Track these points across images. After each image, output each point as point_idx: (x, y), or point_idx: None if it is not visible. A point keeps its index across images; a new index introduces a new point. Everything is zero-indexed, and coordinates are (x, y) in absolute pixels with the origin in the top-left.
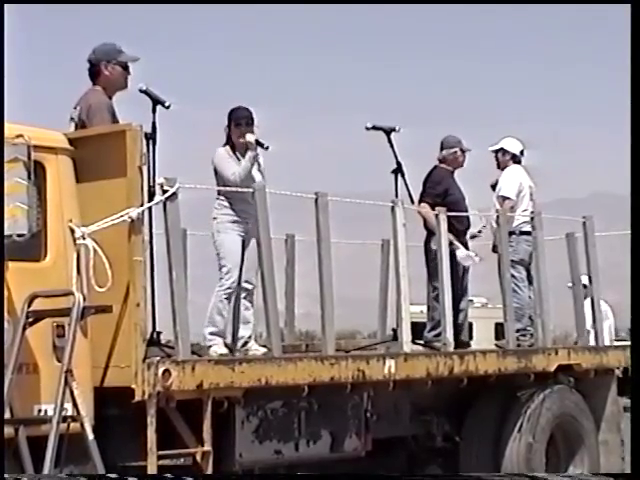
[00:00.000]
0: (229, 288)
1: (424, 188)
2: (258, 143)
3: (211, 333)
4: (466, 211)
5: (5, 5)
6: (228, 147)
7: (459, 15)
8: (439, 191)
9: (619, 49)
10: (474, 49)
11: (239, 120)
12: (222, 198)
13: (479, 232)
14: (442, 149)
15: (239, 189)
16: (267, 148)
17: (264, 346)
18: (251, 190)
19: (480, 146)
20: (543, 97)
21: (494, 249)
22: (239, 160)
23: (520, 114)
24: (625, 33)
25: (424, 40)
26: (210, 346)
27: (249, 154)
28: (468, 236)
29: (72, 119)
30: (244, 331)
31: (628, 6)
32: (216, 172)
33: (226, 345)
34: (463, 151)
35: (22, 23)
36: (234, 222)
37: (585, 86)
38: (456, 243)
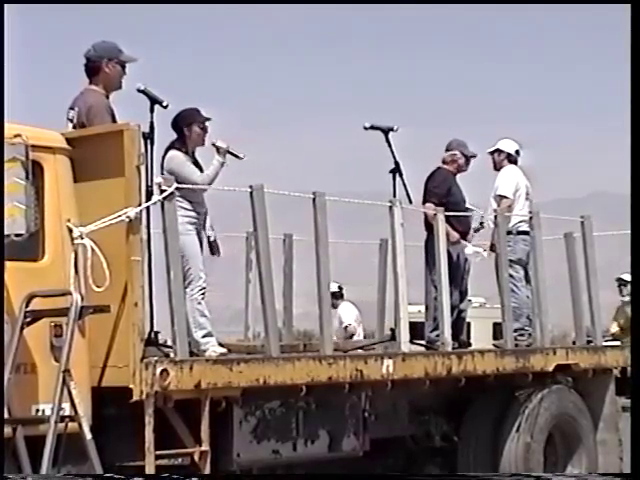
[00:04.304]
0: (203, 288)
1: (427, 188)
2: (230, 153)
3: (204, 336)
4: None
5: (5, 5)
6: (181, 150)
7: (459, 15)
8: (443, 191)
9: (619, 49)
10: (474, 49)
11: (202, 123)
12: (181, 200)
13: (481, 224)
14: (446, 151)
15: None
16: (242, 158)
17: (222, 345)
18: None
19: (480, 146)
20: (543, 97)
21: (492, 248)
22: (194, 163)
23: (520, 114)
24: (625, 33)
25: (424, 40)
26: (206, 349)
27: (219, 159)
28: (472, 231)
29: (70, 120)
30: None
31: (628, 6)
32: (171, 174)
33: (220, 344)
34: (466, 156)
35: (22, 23)
36: (193, 224)
37: (585, 87)
38: (463, 242)
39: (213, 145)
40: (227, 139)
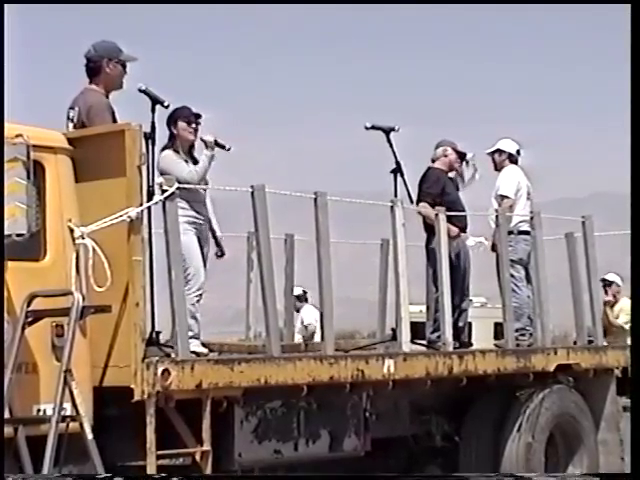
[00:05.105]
0: (199, 289)
1: (420, 189)
2: (217, 144)
3: (189, 337)
4: (463, 210)
5: (5, 5)
6: (172, 149)
7: (459, 15)
8: (437, 190)
9: (619, 49)
10: (474, 49)
11: (190, 118)
12: (178, 199)
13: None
14: (435, 150)
15: (201, 189)
16: (229, 149)
17: (205, 345)
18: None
19: (480, 146)
20: (543, 97)
21: (493, 248)
22: (187, 160)
23: (520, 114)
24: (625, 33)
25: (424, 40)
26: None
27: (207, 153)
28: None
29: (70, 119)
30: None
31: (628, 6)
32: (163, 173)
33: (204, 345)
34: (458, 152)
35: (22, 23)
36: (192, 223)
37: (585, 87)
38: (463, 234)
39: (201, 140)
40: (214, 132)
